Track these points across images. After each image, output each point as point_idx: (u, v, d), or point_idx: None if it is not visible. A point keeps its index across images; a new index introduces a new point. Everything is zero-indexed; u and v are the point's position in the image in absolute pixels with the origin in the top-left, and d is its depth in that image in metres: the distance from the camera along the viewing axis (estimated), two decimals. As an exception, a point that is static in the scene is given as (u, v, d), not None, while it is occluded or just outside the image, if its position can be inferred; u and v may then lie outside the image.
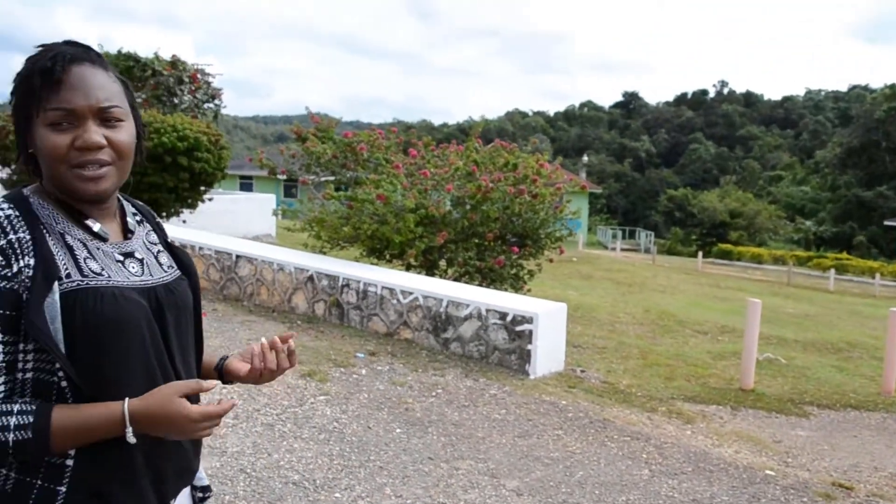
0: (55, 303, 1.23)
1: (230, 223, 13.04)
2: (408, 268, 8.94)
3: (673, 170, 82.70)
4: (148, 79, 12.96)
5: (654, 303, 13.78)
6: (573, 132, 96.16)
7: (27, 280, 1.22)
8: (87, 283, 1.28)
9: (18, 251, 1.23)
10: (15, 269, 1.22)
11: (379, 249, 9.01)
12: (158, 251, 1.51)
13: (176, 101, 13.46)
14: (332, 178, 10.71)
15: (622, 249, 39.10)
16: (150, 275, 1.42)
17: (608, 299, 13.63)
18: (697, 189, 61.24)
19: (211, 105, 14.36)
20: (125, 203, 1.52)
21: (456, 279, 8.72)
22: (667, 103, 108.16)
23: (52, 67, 1.27)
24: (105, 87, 1.32)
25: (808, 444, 5.40)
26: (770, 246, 47.04)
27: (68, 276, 1.26)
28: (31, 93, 1.29)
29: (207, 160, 10.64)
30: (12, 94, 1.34)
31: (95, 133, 1.29)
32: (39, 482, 1.25)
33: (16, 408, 1.21)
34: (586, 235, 41.88)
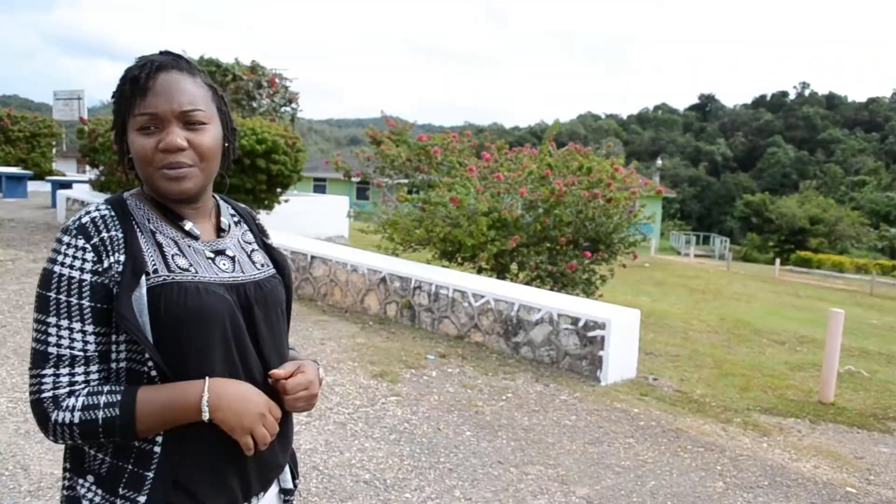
0: (142, 296, 1.30)
1: (304, 224, 13.27)
2: (479, 271, 8.96)
3: (750, 174, 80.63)
4: (228, 83, 13.29)
5: (730, 310, 13.47)
6: (646, 135, 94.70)
7: (117, 275, 1.30)
8: (172, 278, 1.35)
9: (109, 248, 1.32)
10: (106, 264, 1.31)
11: (451, 252, 9.06)
12: (253, 250, 1.58)
13: (255, 104, 13.77)
14: (405, 180, 10.82)
15: (696, 255, 38.36)
16: (242, 271, 1.48)
17: (681, 306, 13.39)
18: (775, 194, 59.58)
19: (288, 109, 14.65)
20: (222, 204, 1.60)
21: (527, 283, 8.70)
22: (744, 105, 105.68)
23: (139, 76, 1.36)
24: (189, 92, 1.38)
25: (891, 461, 5.20)
26: (852, 254, 45.39)
27: (155, 271, 1.34)
28: (123, 100, 1.39)
29: (284, 162, 10.85)
30: (113, 100, 1.43)
31: (177, 136, 1.36)
32: (130, 467, 1.32)
33: (105, 388, 1.30)
34: (659, 241, 41.20)
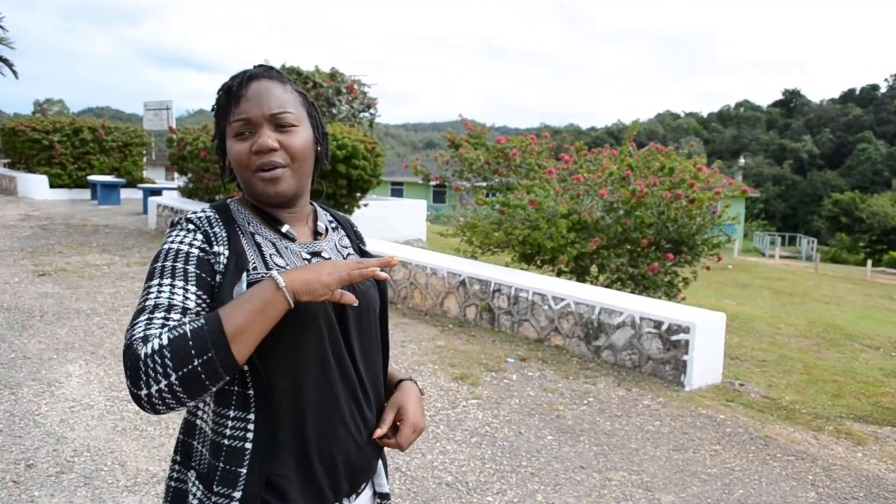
0: (243, 290, 1.33)
1: (383, 228, 13.43)
2: (558, 274, 8.90)
3: (838, 172, 77.62)
4: (309, 90, 13.58)
5: (819, 314, 13.02)
6: (728, 133, 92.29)
7: (221, 266, 1.36)
8: (269, 275, 1.38)
9: (216, 240, 1.39)
10: (214, 249, 1.38)
11: (530, 255, 9.02)
12: (348, 254, 1.62)
13: (334, 111, 14.03)
14: (483, 183, 10.83)
15: (781, 257, 37.24)
16: None
17: (767, 309, 13.01)
18: (866, 192, 57.28)
19: (366, 114, 14.87)
20: (320, 210, 1.66)
21: (607, 286, 8.60)
22: (832, 100, 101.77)
23: (232, 85, 1.46)
24: (278, 97, 1.46)
25: None
26: (951, 254, 43.24)
27: (254, 268, 1.39)
28: (220, 110, 1.49)
29: (364, 167, 11.01)
30: (213, 115, 1.53)
31: (268, 137, 1.43)
32: (222, 464, 1.36)
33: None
34: (742, 242, 40.14)
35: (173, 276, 1.33)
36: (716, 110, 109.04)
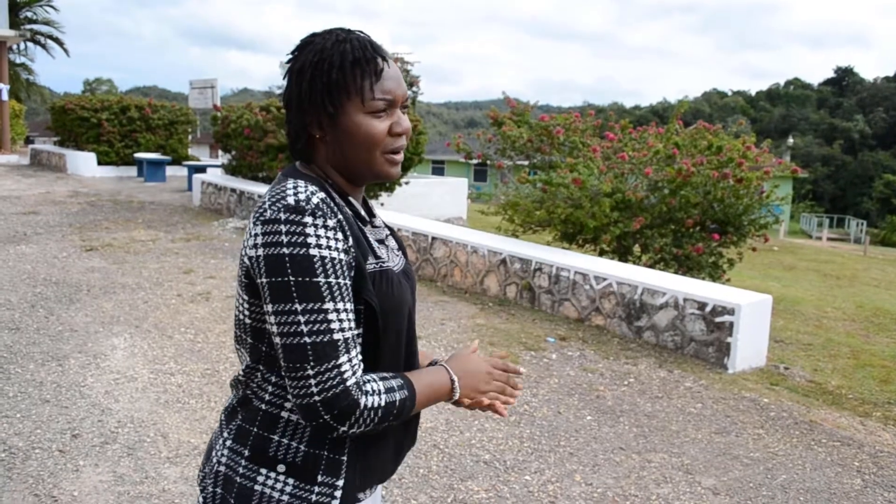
0: (367, 282, 1.33)
1: (424, 206, 13.44)
2: (600, 253, 8.81)
3: (891, 152, 75.44)
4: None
5: (867, 297, 12.69)
6: (776, 112, 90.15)
7: (353, 261, 1.31)
8: (382, 266, 1.38)
9: (346, 229, 1.31)
10: (349, 244, 1.31)
11: (572, 234, 8.93)
12: (387, 234, 1.56)
13: (377, 88, 14.01)
14: (525, 161, 10.74)
15: (829, 239, 36.49)
16: (393, 261, 1.49)
17: (814, 292, 12.73)
18: (920, 174, 55.67)
19: (409, 92, 14.84)
20: None
21: (650, 266, 8.49)
22: (886, 79, 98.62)
23: (375, 58, 1.35)
24: (403, 78, 1.42)
25: None
26: None
27: (368, 258, 1.36)
28: (352, 81, 1.33)
29: (406, 146, 10.99)
30: (314, 79, 1.34)
31: (407, 120, 1.41)
32: (326, 453, 1.34)
33: (387, 374, 1.35)
34: (788, 223, 39.40)
35: (343, 299, 1.27)
36: (764, 89, 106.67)
